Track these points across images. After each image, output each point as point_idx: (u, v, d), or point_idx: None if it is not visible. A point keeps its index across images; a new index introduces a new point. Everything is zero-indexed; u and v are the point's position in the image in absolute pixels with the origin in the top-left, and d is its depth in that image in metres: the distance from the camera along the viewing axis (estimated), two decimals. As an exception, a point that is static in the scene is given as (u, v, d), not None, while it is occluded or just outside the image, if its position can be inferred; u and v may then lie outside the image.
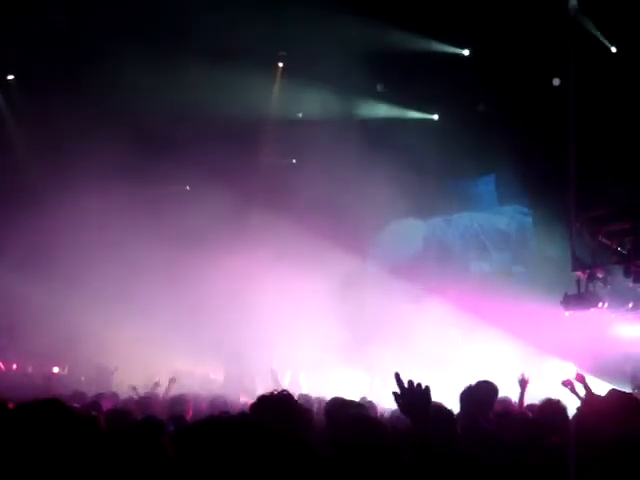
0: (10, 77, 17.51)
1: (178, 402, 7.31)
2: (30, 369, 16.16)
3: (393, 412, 6.55)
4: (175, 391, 9.65)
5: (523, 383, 7.23)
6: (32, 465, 3.24)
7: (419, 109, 17.34)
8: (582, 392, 6.94)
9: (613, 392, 4.68)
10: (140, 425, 5.65)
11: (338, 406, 4.90)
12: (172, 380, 10.03)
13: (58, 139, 15.56)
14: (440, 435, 3.87)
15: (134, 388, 10.10)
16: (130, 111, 15.12)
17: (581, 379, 7.07)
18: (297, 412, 3.49)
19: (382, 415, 6.46)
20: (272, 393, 3.64)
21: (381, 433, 3.54)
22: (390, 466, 3.34)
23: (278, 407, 3.45)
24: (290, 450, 3.18)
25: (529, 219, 16.82)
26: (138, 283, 15.39)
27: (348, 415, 4.07)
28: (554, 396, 5.99)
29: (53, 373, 16.48)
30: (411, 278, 15.80)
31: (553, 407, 5.54)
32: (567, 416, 5.51)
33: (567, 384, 7.09)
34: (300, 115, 17.47)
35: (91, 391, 10.57)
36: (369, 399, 7.83)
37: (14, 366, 17.23)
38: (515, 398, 7.75)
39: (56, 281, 15.46)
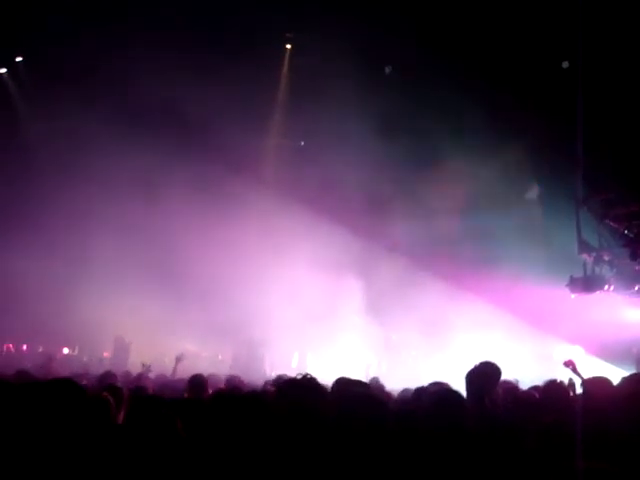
0: (18, 59, 17.54)
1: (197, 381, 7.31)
2: (41, 349, 16.32)
3: (400, 392, 6.66)
4: (183, 371, 9.67)
5: None
6: (39, 440, 3.35)
7: (427, 90, 17.24)
8: (584, 373, 6.99)
9: (636, 376, 4.75)
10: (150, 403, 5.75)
11: (343, 385, 4.99)
12: (179, 358, 9.93)
13: (65, 119, 15.61)
14: (449, 415, 3.96)
15: (144, 365, 10.06)
16: (135, 90, 15.17)
17: (571, 364, 7.10)
18: (320, 393, 3.64)
19: (389, 395, 6.56)
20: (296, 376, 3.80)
21: (383, 411, 3.63)
22: (391, 442, 3.43)
23: (303, 388, 3.60)
24: (309, 426, 3.31)
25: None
26: (145, 265, 15.49)
27: (353, 393, 4.16)
28: (559, 378, 6.06)
29: (63, 354, 16.71)
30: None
31: (556, 388, 5.61)
32: (569, 397, 5.60)
33: (569, 364, 7.13)
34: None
35: (99, 371, 10.56)
36: (376, 378, 7.91)
37: (24, 347, 17.41)
38: (522, 380, 7.80)
39: (68, 264, 15.58)
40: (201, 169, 15.42)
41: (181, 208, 15.67)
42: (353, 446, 3.28)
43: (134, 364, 12.09)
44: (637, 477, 3.37)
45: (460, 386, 4.97)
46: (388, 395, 6.29)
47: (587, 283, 12.69)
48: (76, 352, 16.96)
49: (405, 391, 6.57)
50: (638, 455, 3.57)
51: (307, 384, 3.63)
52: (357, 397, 3.76)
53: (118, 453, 3.56)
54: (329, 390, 4.53)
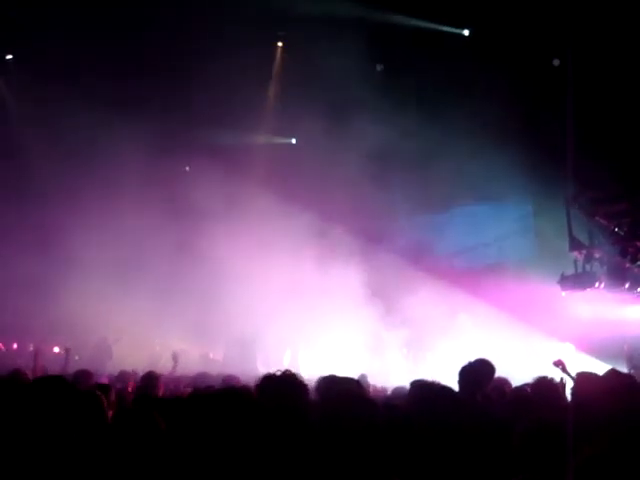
0: (9, 57, 17.42)
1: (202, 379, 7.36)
2: (31, 348, 16.24)
3: (394, 389, 6.68)
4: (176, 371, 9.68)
5: None
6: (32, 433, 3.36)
7: (418, 90, 17.25)
8: (574, 371, 7.02)
9: (612, 372, 4.77)
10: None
11: (328, 382, 4.99)
12: (175, 356, 9.93)
13: (58, 119, 15.55)
14: (440, 412, 3.98)
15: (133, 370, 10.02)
16: (128, 92, 15.15)
17: (560, 364, 7.12)
18: (300, 390, 3.62)
19: (383, 391, 6.59)
20: (276, 373, 3.78)
21: (370, 408, 3.63)
22: (378, 441, 3.43)
23: (283, 385, 3.58)
24: (289, 424, 3.30)
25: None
26: (136, 264, 15.47)
27: (337, 391, 4.16)
28: (549, 375, 6.09)
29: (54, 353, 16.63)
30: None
31: (546, 385, 5.64)
32: (559, 394, 5.63)
33: (558, 364, 7.15)
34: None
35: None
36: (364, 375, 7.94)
37: (15, 345, 17.34)
38: (513, 377, 7.84)
39: (57, 262, 15.52)
40: (187, 166, 15.44)
41: (167, 206, 15.66)
42: (339, 444, 3.28)
43: (118, 365, 12.08)
44: (627, 467, 3.39)
45: (453, 384, 4.99)
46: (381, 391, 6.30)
47: (578, 280, 12.75)
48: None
49: (399, 389, 6.58)
50: (629, 450, 3.60)
51: (287, 380, 3.62)
52: (344, 395, 3.76)
53: (102, 451, 3.57)
54: (313, 387, 4.52)
